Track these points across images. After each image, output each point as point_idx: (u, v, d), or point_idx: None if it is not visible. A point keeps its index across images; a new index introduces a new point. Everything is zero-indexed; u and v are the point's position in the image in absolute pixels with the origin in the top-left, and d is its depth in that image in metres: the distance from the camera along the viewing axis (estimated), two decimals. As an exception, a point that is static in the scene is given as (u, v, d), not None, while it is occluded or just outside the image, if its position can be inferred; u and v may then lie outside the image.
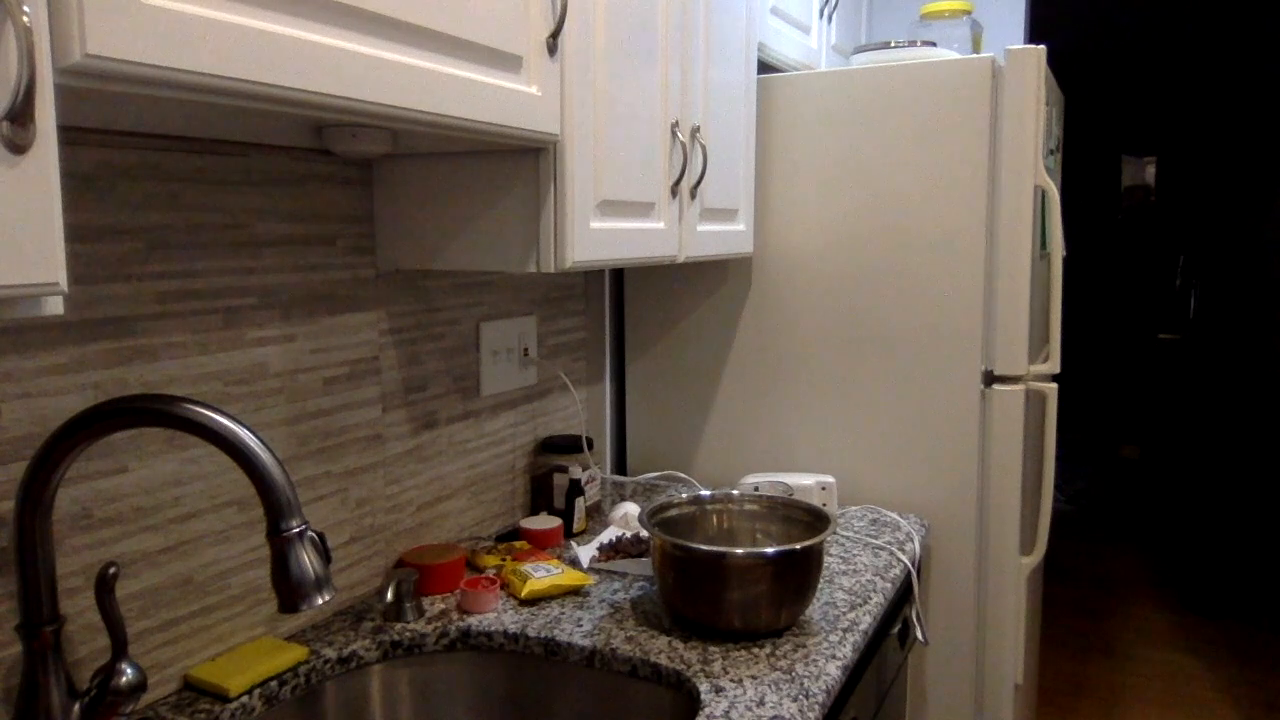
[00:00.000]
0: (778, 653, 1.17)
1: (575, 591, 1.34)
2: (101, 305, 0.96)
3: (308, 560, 0.80)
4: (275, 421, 1.18)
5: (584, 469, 1.64)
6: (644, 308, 1.97)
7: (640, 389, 2.00)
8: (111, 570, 0.87)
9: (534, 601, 1.31)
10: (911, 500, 1.75)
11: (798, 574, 1.21)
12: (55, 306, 0.60)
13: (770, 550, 1.21)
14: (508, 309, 1.62)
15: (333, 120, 0.96)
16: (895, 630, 1.51)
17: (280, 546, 0.79)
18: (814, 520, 1.32)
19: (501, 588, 1.34)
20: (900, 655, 1.59)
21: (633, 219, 1.34)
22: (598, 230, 1.24)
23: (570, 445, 1.66)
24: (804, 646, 1.18)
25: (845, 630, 1.24)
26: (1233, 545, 4.32)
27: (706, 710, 1.03)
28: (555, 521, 1.56)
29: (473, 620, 1.25)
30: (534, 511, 1.66)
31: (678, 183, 1.44)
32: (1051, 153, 1.83)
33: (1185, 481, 5.25)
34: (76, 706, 0.87)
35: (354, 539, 1.32)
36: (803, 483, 1.68)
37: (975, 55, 1.74)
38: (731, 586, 1.18)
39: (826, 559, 1.48)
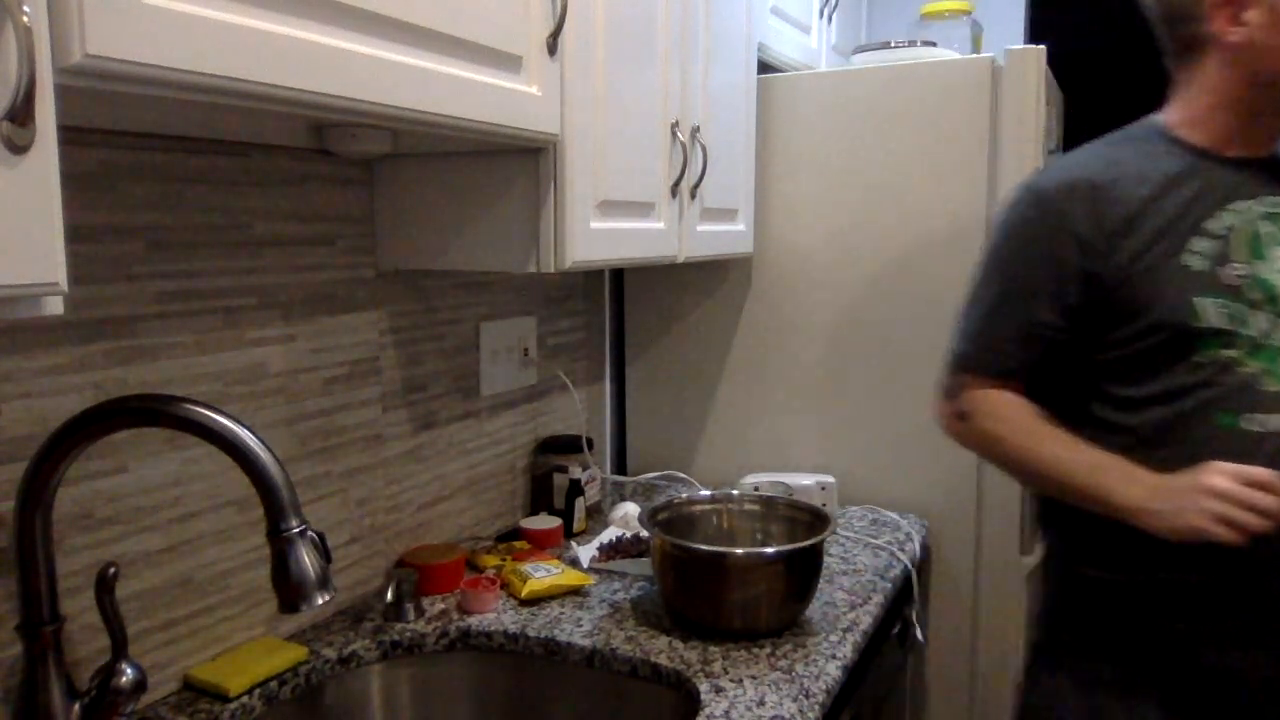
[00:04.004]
0: (778, 653, 1.17)
1: (575, 591, 1.34)
2: (101, 305, 0.96)
3: (308, 560, 0.80)
4: (275, 421, 1.18)
5: (584, 469, 1.64)
6: (644, 308, 1.97)
7: (640, 389, 2.00)
8: (111, 570, 0.87)
9: (534, 601, 1.31)
10: (911, 500, 1.75)
11: (798, 574, 1.21)
12: (55, 306, 0.60)
13: (770, 550, 1.21)
14: (508, 309, 1.62)
15: (333, 120, 0.96)
16: (895, 630, 1.51)
17: (280, 546, 0.79)
18: (814, 520, 1.32)
19: (501, 588, 1.34)
20: (900, 655, 1.59)
21: (632, 219, 1.34)
22: (598, 230, 1.24)
23: (570, 445, 1.66)
24: (804, 646, 1.18)
25: (845, 630, 1.24)
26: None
27: (706, 710, 1.03)
28: (555, 521, 1.56)
29: (473, 620, 1.25)
30: (534, 511, 1.66)
31: (678, 183, 1.44)
32: (1051, 153, 1.83)
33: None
34: (76, 706, 0.87)
35: (354, 539, 1.32)
36: (803, 483, 1.68)
37: (975, 55, 1.74)
38: (731, 586, 1.18)
39: (826, 559, 1.48)
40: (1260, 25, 1.04)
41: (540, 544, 1.52)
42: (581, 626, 1.23)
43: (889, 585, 1.41)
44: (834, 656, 1.16)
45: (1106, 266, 1.10)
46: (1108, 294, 1.10)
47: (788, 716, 1.02)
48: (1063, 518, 1.18)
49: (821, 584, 1.38)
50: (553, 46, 1.08)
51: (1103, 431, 1.12)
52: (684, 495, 1.42)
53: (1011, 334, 1.16)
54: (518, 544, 1.49)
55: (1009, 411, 1.17)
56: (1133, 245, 1.09)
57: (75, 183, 0.93)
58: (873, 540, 1.58)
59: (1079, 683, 1.17)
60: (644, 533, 1.46)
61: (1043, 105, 1.61)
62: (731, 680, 1.10)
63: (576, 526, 1.62)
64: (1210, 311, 1.07)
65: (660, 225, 1.42)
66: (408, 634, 1.22)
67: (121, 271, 0.98)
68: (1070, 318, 1.13)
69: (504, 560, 1.41)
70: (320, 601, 0.80)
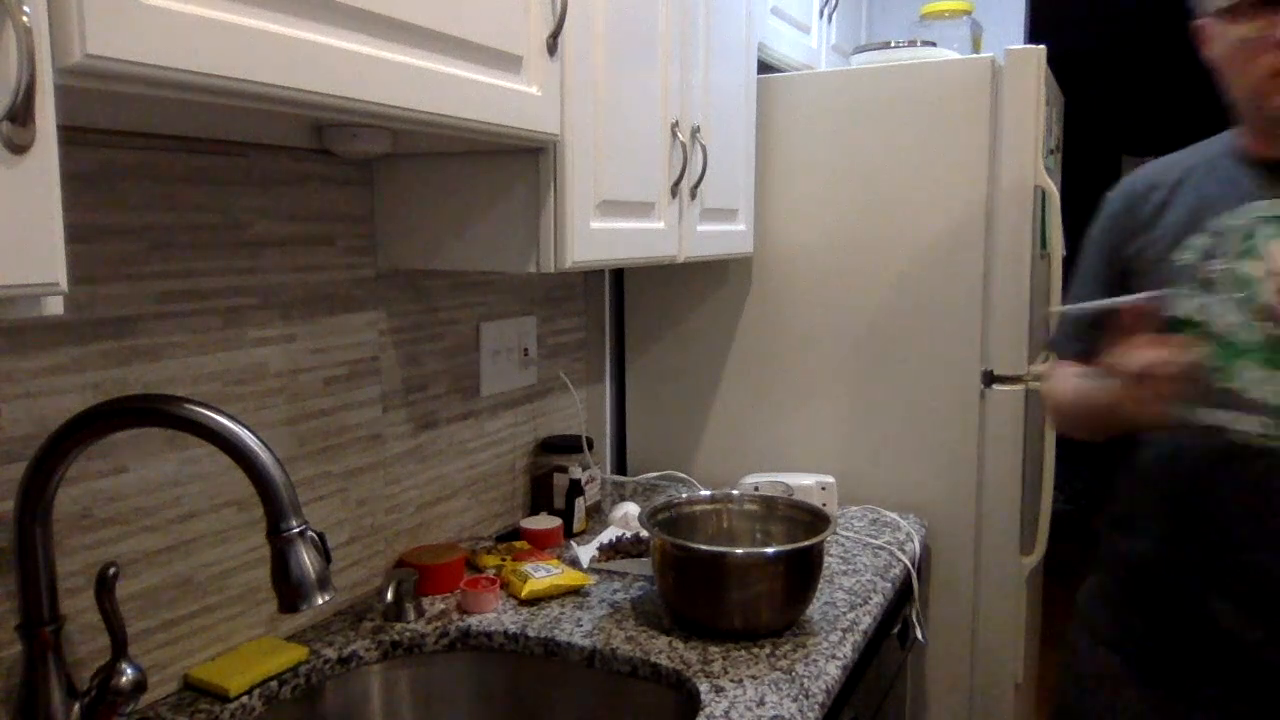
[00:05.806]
0: (778, 653, 1.17)
1: (575, 591, 1.34)
2: (101, 305, 0.96)
3: (308, 560, 0.80)
4: (275, 421, 1.18)
5: (584, 469, 1.64)
6: (644, 308, 1.97)
7: (640, 389, 2.00)
8: (111, 570, 0.87)
9: (534, 601, 1.31)
10: (911, 500, 1.75)
11: (798, 574, 1.21)
12: (55, 306, 0.60)
13: (770, 550, 1.21)
14: (508, 309, 1.62)
15: (333, 120, 0.96)
16: (895, 630, 1.51)
17: (280, 546, 0.79)
18: (814, 520, 1.32)
19: (501, 588, 1.34)
20: (900, 655, 1.59)
21: (633, 219, 1.34)
22: (598, 230, 1.24)
23: (570, 445, 1.66)
24: (804, 646, 1.18)
25: (845, 630, 1.24)
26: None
27: (706, 710, 1.03)
28: (555, 521, 1.56)
29: (473, 620, 1.25)
30: (534, 511, 1.66)
31: (678, 183, 1.44)
32: (1051, 153, 1.83)
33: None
34: (76, 706, 0.87)
35: (354, 539, 1.32)
36: (803, 483, 1.68)
37: (975, 55, 1.74)
38: (731, 586, 1.18)
39: (826, 559, 1.48)
40: (1217, 59, 1.10)
41: (540, 544, 1.52)
42: (581, 626, 1.23)
43: (889, 585, 1.41)
44: (834, 656, 1.16)
45: (1138, 262, 1.17)
46: (1133, 288, 1.16)
47: (788, 716, 1.02)
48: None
49: (821, 584, 1.38)
50: (553, 46, 1.08)
51: None
52: (684, 495, 1.41)
53: (1077, 324, 1.26)
54: (518, 544, 1.49)
55: (1057, 373, 1.27)
56: (1152, 241, 1.15)
57: (75, 183, 0.93)
58: (873, 540, 1.58)
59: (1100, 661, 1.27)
60: (644, 533, 1.46)
61: (1043, 105, 1.61)
62: (731, 680, 1.10)
63: (576, 526, 1.62)
64: (1182, 303, 1.11)
65: (660, 225, 1.42)
66: (408, 634, 1.22)
67: (121, 271, 0.98)
68: None
69: (504, 560, 1.41)
70: (320, 601, 0.80)
